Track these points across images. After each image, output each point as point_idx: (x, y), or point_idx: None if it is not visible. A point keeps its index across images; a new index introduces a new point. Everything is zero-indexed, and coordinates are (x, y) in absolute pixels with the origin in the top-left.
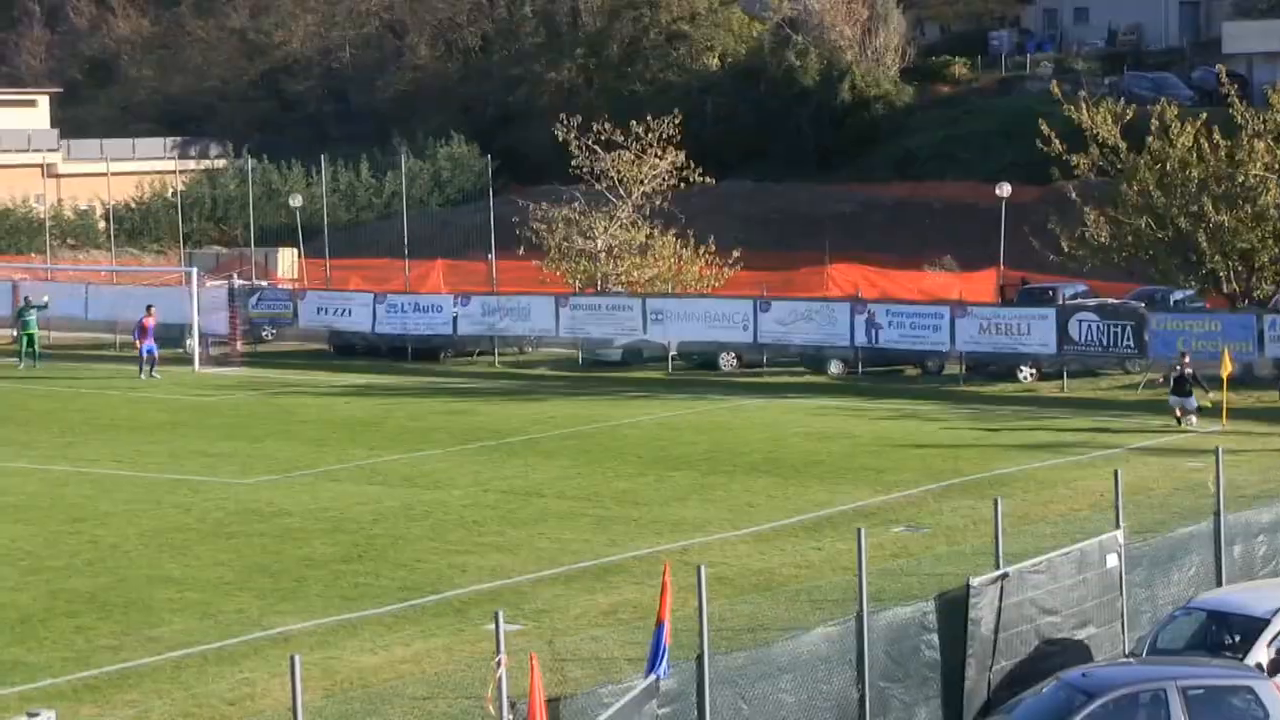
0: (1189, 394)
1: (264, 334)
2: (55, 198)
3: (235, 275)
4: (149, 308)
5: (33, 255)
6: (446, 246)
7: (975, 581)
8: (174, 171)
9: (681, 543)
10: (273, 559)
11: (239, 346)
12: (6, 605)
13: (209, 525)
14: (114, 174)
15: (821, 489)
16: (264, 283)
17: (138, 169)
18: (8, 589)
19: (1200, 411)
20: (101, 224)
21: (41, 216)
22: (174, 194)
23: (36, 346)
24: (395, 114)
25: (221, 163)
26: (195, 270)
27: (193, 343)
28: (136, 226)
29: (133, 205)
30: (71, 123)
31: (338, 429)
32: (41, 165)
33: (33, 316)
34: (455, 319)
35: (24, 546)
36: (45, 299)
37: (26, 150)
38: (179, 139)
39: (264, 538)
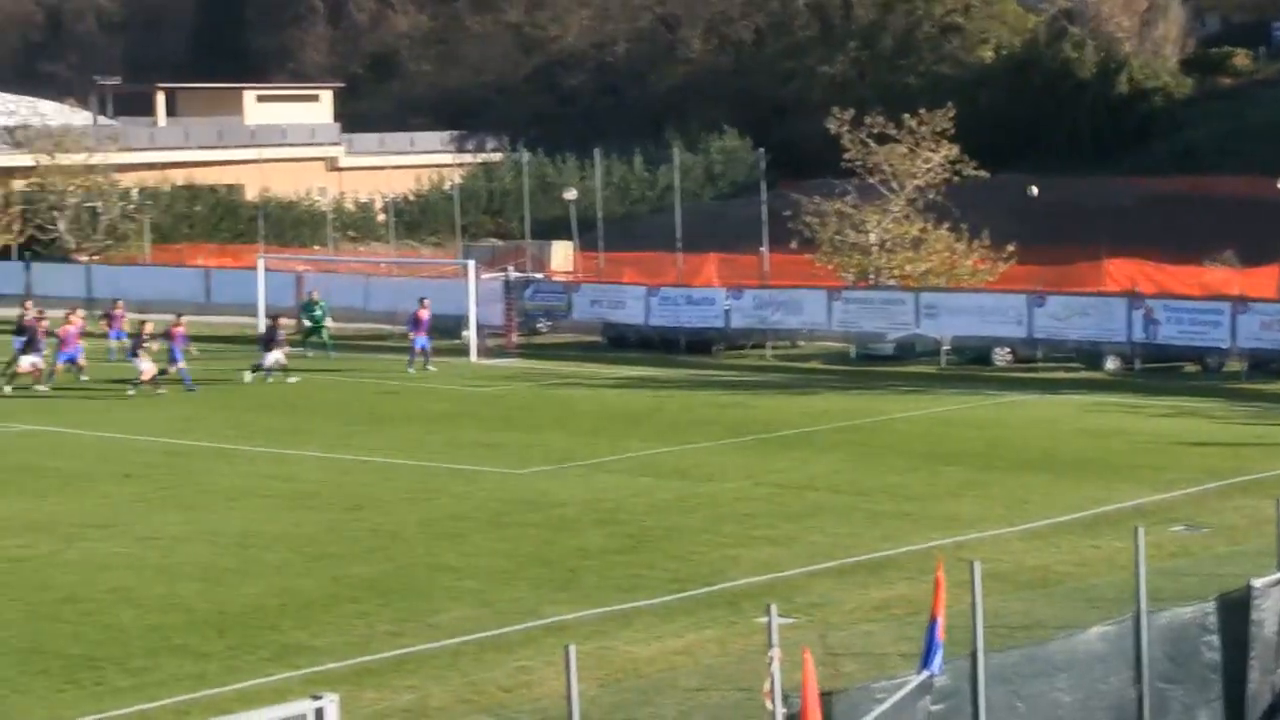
0: None
1: (539, 326)
2: (337, 191)
3: (511, 268)
4: (422, 300)
5: (315, 247)
6: (719, 240)
7: (1258, 583)
8: (451, 165)
9: (955, 538)
10: (548, 549)
11: (514, 338)
12: (291, 590)
13: (485, 514)
14: (393, 167)
15: (1098, 486)
16: (539, 275)
17: (416, 162)
18: (293, 574)
19: None
20: (381, 217)
21: (324, 209)
22: (451, 187)
23: (326, 337)
24: (668, 107)
25: (498, 156)
26: (472, 263)
27: (470, 334)
28: (415, 219)
29: (411, 198)
30: (352, 117)
31: (611, 421)
32: (324, 159)
33: (319, 311)
34: (727, 312)
35: (309, 533)
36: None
37: (310, 144)
38: (456, 133)
39: (539, 528)
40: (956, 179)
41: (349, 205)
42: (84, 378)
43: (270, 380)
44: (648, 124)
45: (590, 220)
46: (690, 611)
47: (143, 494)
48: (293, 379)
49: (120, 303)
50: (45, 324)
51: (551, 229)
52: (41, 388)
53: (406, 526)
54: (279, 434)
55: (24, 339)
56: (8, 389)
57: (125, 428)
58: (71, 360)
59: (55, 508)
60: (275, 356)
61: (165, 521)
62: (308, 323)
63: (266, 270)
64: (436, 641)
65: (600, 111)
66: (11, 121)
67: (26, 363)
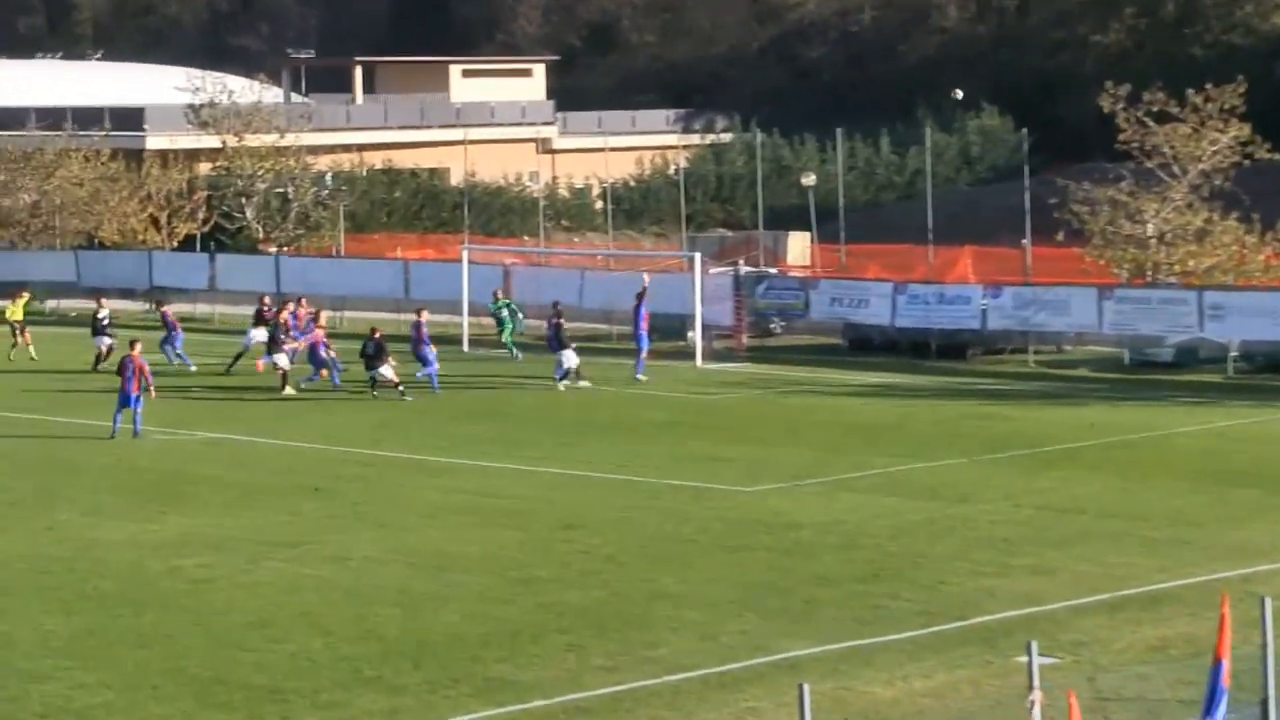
0: None
1: (772, 326)
2: (550, 175)
3: (741, 261)
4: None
5: (525, 238)
6: (975, 230)
7: None
8: (676, 146)
9: (1243, 570)
10: (780, 576)
11: (744, 340)
12: (495, 618)
13: (711, 537)
14: (612, 149)
15: None
16: (772, 269)
17: (638, 144)
18: (496, 600)
19: None
20: (598, 204)
21: (535, 196)
22: (676, 171)
23: (508, 338)
24: (919, 82)
25: (728, 137)
26: (698, 255)
27: (695, 335)
28: (636, 206)
29: (632, 183)
30: (568, 93)
31: (852, 433)
32: (536, 140)
33: (506, 311)
34: (984, 312)
35: (514, 555)
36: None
37: (521, 124)
38: (682, 111)
39: (771, 552)
40: (1247, 162)
41: (562, 191)
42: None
43: (375, 394)
44: (896, 101)
45: (830, 208)
46: (940, 649)
47: (334, 510)
48: (408, 398)
49: (303, 300)
50: (302, 314)
51: (787, 218)
52: (291, 390)
53: (623, 549)
54: (482, 444)
55: (263, 332)
56: (292, 390)
57: (315, 436)
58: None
59: (239, 525)
60: (385, 371)
61: (358, 540)
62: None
63: (471, 263)
64: (655, 678)
65: (843, 87)
66: (197, 100)
67: (283, 361)
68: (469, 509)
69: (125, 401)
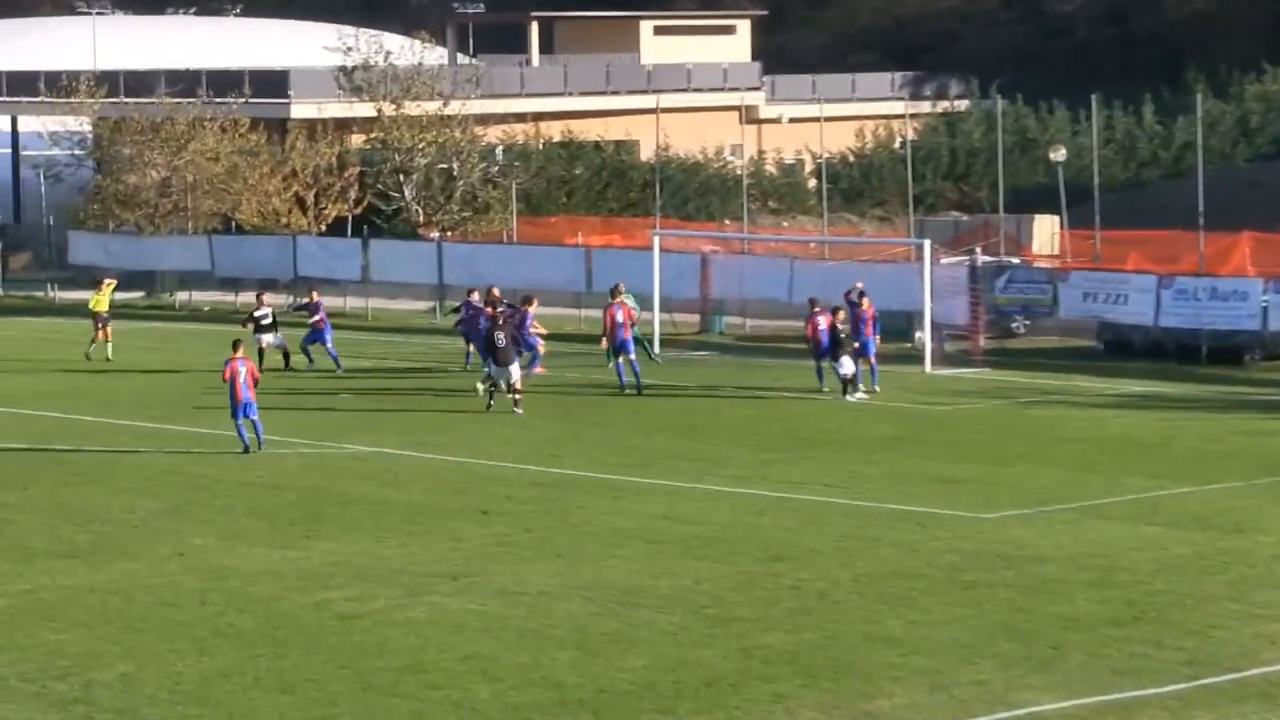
0: None
1: (1013, 326)
2: (755, 149)
3: (978, 250)
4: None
5: (726, 222)
6: (1255, 214)
7: None
8: (903, 116)
9: None
10: (1022, 618)
11: (981, 342)
12: (690, 663)
13: (941, 571)
14: (828, 119)
15: None
16: (1014, 259)
17: (858, 113)
18: (692, 643)
19: None
20: (811, 182)
21: (738, 173)
22: (902, 145)
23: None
24: (1190, 40)
25: (964, 105)
26: (928, 243)
27: (923, 336)
28: (855, 186)
29: (851, 159)
30: (777, 54)
31: (1108, 451)
32: (740, 108)
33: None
34: (1265, 310)
35: (711, 590)
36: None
37: (722, 89)
38: (910, 74)
39: (1011, 589)
40: None
41: (769, 167)
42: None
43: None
44: (1162, 63)
45: (1084, 188)
46: (1211, 704)
47: (504, 536)
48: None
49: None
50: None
51: (1032, 199)
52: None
53: (838, 585)
54: (674, 462)
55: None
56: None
57: (482, 451)
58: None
59: (395, 552)
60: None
61: (532, 572)
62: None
63: (663, 251)
64: None
65: (1100, 47)
66: (349, 62)
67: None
68: (659, 536)
69: (240, 410)
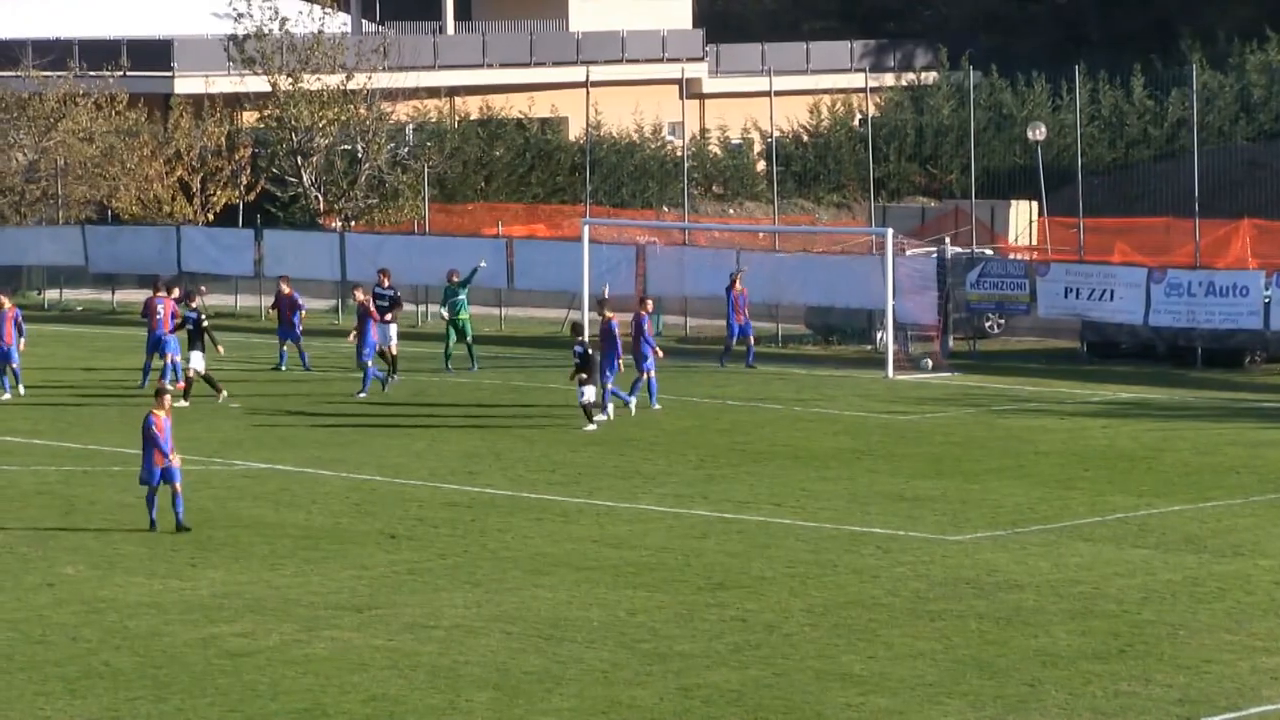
0: None
1: (986, 325)
2: (697, 127)
3: (947, 239)
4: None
5: (665, 209)
6: (1257, 200)
7: None
8: (863, 90)
9: None
10: (995, 651)
11: (950, 343)
12: (623, 704)
13: (904, 600)
14: (779, 93)
15: None
16: (987, 250)
17: (812, 86)
18: (625, 681)
19: None
20: (760, 165)
21: (678, 154)
22: (862, 122)
23: (469, 337)
24: (1185, 5)
25: (931, 77)
26: (890, 232)
27: (884, 336)
28: (809, 168)
29: (804, 138)
30: (720, 20)
31: (1091, 465)
32: (680, 80)
33: (462, 296)
34: (1267, 306)
35: (648, 622)
36: (481, 263)
37: (660, 60)
38: (871, 43)
39: (983, 620)
40: None
41: (713, 148)
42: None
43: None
44: (1153, 30)
45: (1066, 171)
46: None
47: (415, 563)
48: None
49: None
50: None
51: (1008, 183)
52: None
53: (789, 616)
54: (605, 479)
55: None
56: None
57: (390, 467)
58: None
59: (291, 581)
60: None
61: (446, 603)
62: (447, 315)
63: (593, 242)
64: None
65: (1084, 11)
66: (240, 29)
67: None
68: (588, 562)
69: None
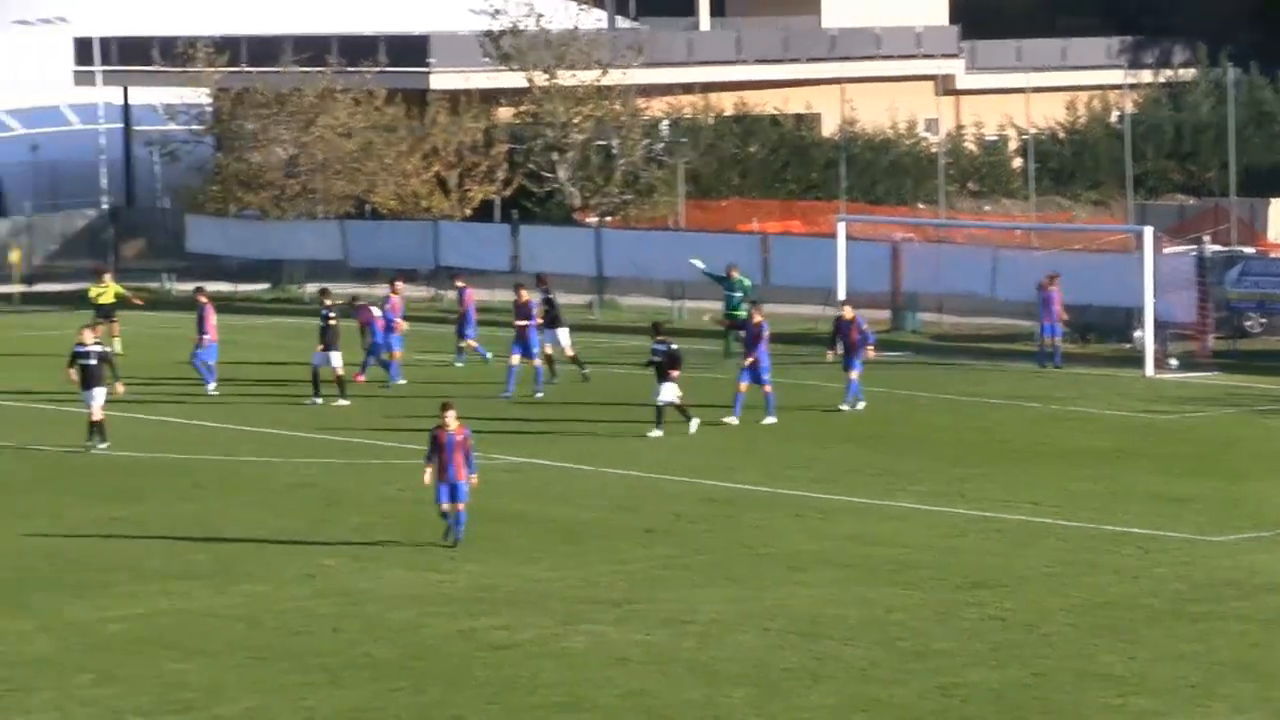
0: None
1: (1247, 324)
2: (952, 123)
3: (1207, 238)
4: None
5: (920, 206)
6: None
7: None
8: (1121, 86)
9: None
10: (1259, 654)
11: (1210, 342)
12: (882, 703)
13: (1164, 600)
14: (1035, 90)
15: None
16: (1248, 249)
17: (1069, 83)
18: (883, 680)
19: None
20: (1016, 161)
21: (933, 150)
22: (1120, 119)
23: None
24: None
25: (1190, 74)
26: (1149, 230)
27: (1143, 336)
28: (1066, 165)
29: (1061, 135)
30: (977, 16)
31: None
32: (935, 77)
33: (738, 294)
34: None
35: (905, 620)
36: (698, 262)
37: (915, 56)
38: (1128, 39)
39: (1245, 622)
40: None
41: (969, 144)
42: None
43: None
44: None
45: None
46: None
47: (672, 558)
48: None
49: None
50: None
51: (1269, 181)
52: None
53: (1048, 615)
54: (862, 476)
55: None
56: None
57: (650, 463)
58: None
59: (550, 575)
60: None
61: (703, 599)
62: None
63: (849, 239)
64: None
65: None
66: (497, 25)
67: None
68: (846, 560)
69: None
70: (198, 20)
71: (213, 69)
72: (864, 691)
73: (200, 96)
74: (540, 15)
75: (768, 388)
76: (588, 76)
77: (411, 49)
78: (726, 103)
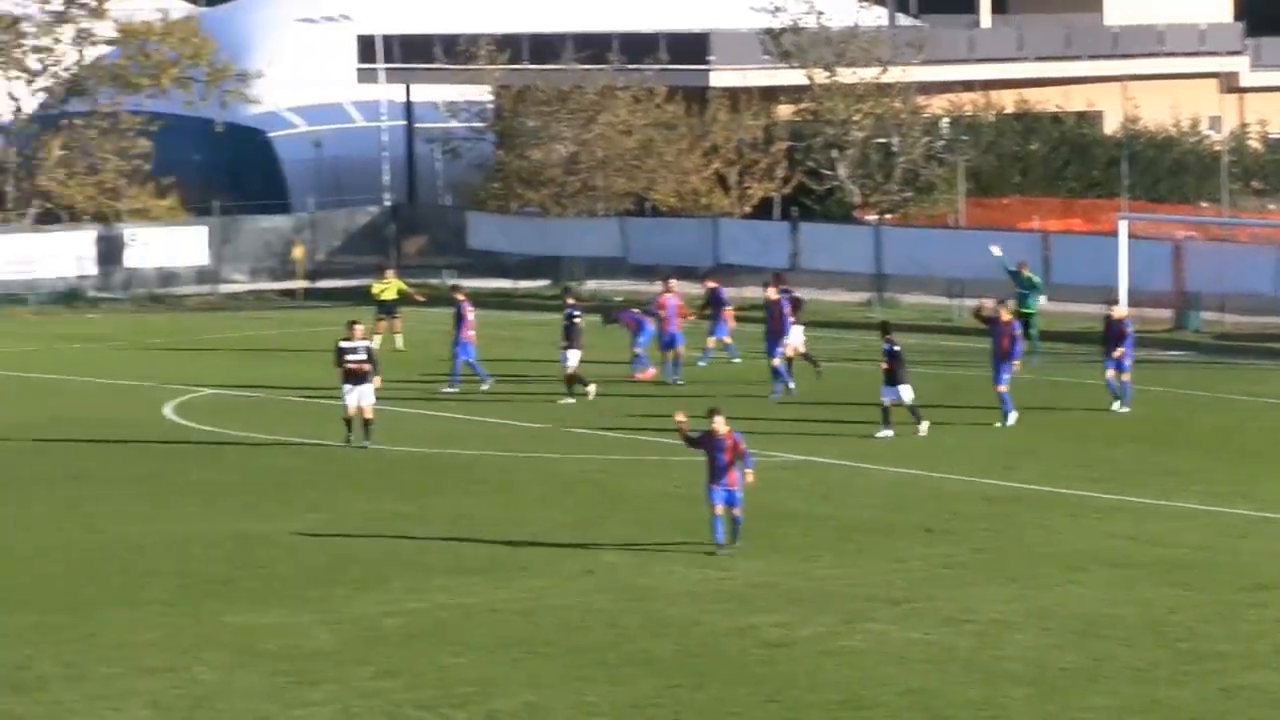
0: None
1: None
2: (1236, 122)
3: None
4: None
5: (1203, 204)
6: None
7: None
8: None
9: None
10: None
11: None
12: (1162, 704)
13: None
14: None
15: None
16: None
17: None
18: (1164, 681)
19: None
20: None
21: (1216, 149)
22: None
23: (1035, 330)
24: None
25: None
26: None
27: None
28: None
29: None
30: (1264, 12)
31: None
32: (1218, 75)
33: (1033, 290)
34: None
35: (1185, 621)
36: (995, 250)
37: (1198, 54)
38: None
39: None
40: None
41: (1254, 143)
42: None
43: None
44: None
45: None
46: None
47: (950, 556)
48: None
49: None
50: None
51: None
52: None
53: None
54: (1142, 476)
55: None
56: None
57: (927, 462)
58: None
59: (828, 573)
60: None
61: (982, 598)
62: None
63: (1131, 237)
64: None
65: None
66: (776, 23)
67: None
68: (1125, 560)
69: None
70: (479, 18)
71: (494, 67)
72: (1143, 692)
73: (481, 94)
74: (820, 13)
75: (1126, 376)
76: (868, 74)
77: (692, 46)
78: (1007, 100)
